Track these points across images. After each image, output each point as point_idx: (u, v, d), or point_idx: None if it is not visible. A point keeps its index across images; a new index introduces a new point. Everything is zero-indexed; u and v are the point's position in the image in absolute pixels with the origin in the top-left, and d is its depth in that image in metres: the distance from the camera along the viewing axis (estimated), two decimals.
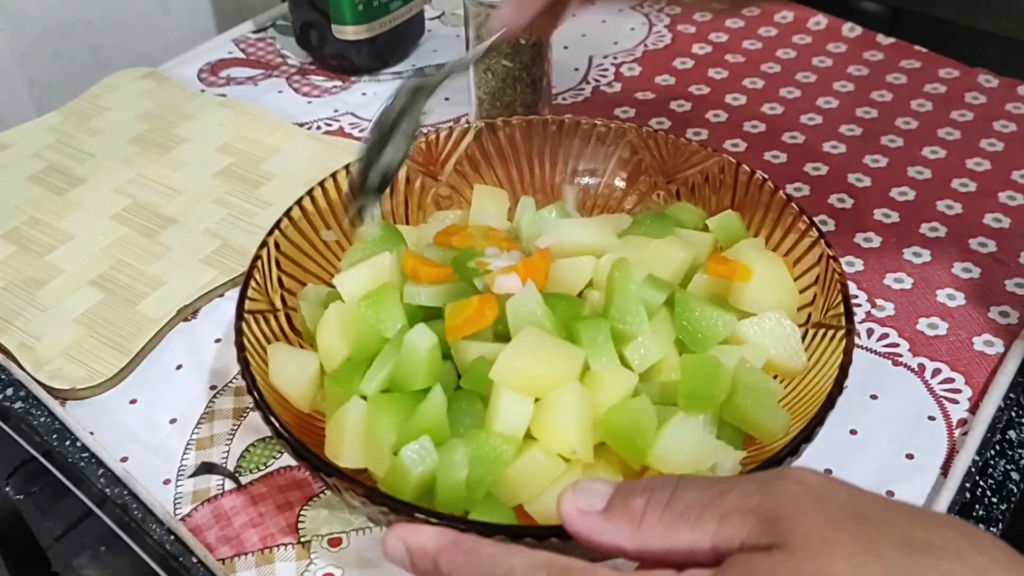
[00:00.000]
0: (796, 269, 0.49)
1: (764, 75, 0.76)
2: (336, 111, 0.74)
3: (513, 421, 0.40)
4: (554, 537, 0.35)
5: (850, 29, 0.81)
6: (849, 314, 0.44)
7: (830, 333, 0.45)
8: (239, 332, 0.44)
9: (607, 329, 0.42)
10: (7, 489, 0.42)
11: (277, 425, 0.39)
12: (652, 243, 0.47)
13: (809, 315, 0.47)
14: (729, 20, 0.83)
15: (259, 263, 0.48)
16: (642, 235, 0.48)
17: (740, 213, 0.52)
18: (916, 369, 0.53)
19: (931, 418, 0.50)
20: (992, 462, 0.48)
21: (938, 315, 0.55)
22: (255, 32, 0.84)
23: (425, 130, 0.55)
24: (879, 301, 0.57)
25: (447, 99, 0.75)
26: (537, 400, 0.41)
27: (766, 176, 0.52)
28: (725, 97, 0.74)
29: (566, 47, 0.81)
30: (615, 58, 0.79)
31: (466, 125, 0.57)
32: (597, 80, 0.76)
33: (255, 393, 0.41)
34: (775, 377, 0.46)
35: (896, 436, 0.49)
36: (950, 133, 0.69)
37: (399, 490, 0.39)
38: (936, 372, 0.52)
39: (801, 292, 0.48)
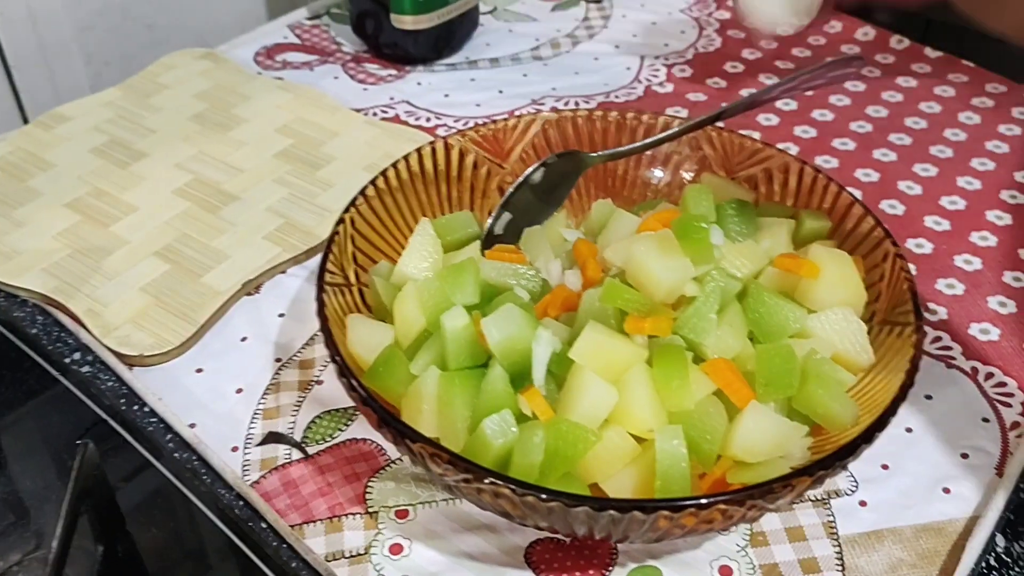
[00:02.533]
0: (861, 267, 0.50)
1: None
2: (392, 99, 0.75)
3: (595, 408, 0.40)
4: (636, 511, 0.36)
5: (898, 41, 0.82)
6: (918, 311, 0.45)
7: (896, 330, 0.46)
8: (320, 303, 0.45)
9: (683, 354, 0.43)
10: (88, 445, 0.43)
11: (362, 392, 0.40)
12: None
13: (874, 312, 0.48)
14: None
15: (337, 238, 0.49)
16: (727, 226, 0.49)
17: (803, 209, 0.53)
18: (969, 372, 0.53)
19: (985, 420, 0.51)
20: None
21: (990, 321, 0.56)
22: (309, 19, 0.85)
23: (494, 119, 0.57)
24: (931, 305, 0.57)
25: (501, 92, 0.76)
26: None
27: (830, 176, 0.53)
28: (776, 102, 0.75)
29: (617, 46, 0.82)
30: (666, 59, 0.80)
31: (534, 115, 0.58)
32: (649, 80, 0.77)
33: (339, 363, 0.42)
34: None
35: (951, 436, 0.50)
36: (998, 146, 0.70)
37: (479, 460, 0.40)
38: (989, 376, 0.53)
39: (867, 289, 0.49)
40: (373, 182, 0.53)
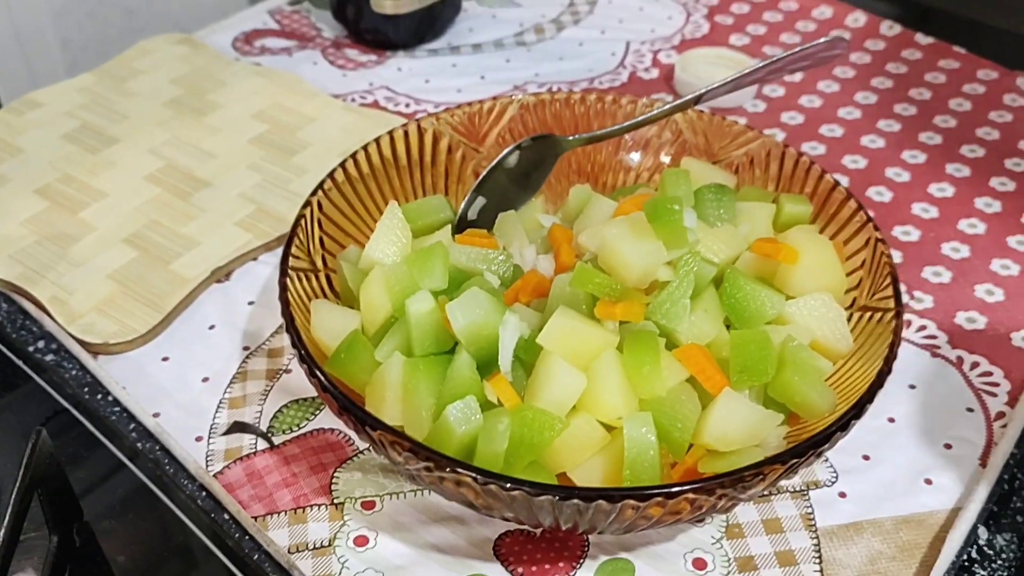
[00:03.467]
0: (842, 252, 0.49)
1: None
2: (371, 84, 0.74)
3: (563, 394, 0.39)
4: (601, 499, 0.35)
5: (889, 27, 0.81)
6: (898, 297, 0.44)
7: (877, 316, 0.44)
8: (283, 288, 0.44)
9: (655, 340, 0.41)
10: (42, 433, 0.42)
11: (322, 378, 0.39)
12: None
13: (854, 299, 0.47)
14: (767, 14, 0.83)
15: (302, 222, 0.47)
16: (706, 211, 0.48)
17: (784, 193, 0.52)
18: (955, 361, 0.52)
19: (969, 410, 0.50)
20: None
21: (976, 310, 0.55)
22: (290, 4, 0.84)
23: (469, 102, 0.55)
24: (917, 293, 0.56)
25: (483, 77, 0.74)
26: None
27: (812, 160, 0.52)
28: (763, 89, 0.73)
29: (603, 31, 0.80)
30: (652, 45, 0.79)
31: (510, 98, 0.56)
32: (634, 66, 0.76)
33: (300, 348, 0.40)
34: None
35: (935, 426, 0.49)
36: (988, 133, 0.69)
37: (442, 447, 0.39)
38: (975, 365, 0.52)
39: (847, 275, 0.48)
40: (343, 165, 0.51)
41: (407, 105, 0.71)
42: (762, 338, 0.41)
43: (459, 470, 0.35)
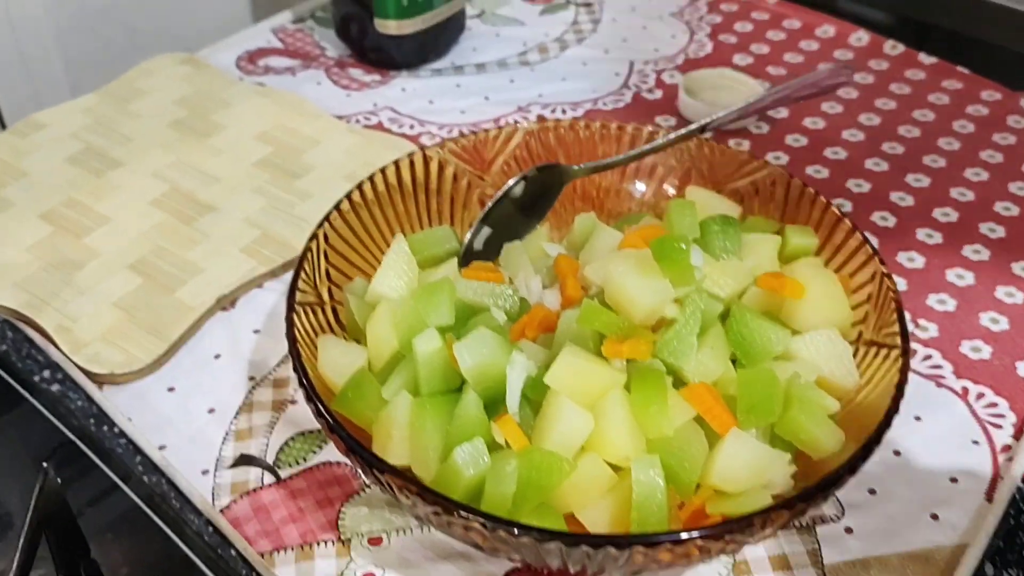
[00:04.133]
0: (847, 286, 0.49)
1: None
2: (375, 105, 0.74)
3: (571, 436, 0.39)
4: (610, 546, 0.35)
5: (892, 47, 0.81)
6: (904, 333, 0.44)
7: (883, 352, 0.44)
8: (290, 324, 0.44)
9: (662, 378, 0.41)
10: (49, 471, 0.42)
11: (329, 419, 0.39)
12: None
13: (860, 333, 0.47)
14: (770, 32, 0.83)
15: (309, 255, 0.47)
16: (711, 243, 0.48)
17: (790, 225, 0.52)
18: (960, 392, 0.52)
19: (975, 442, 0.50)
20: None
21: (981, 338, 0.55)
22: (293, 23, 0.84)
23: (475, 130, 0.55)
24: (921, 322, 0.56)
25: (487, 98, 0.74)
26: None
27: (817, 191, 0.52)
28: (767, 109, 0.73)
29: (606, 51, 0.80)
30: (656, 65, 0.79)
31: (515, 125, 0.56)
32: (638, 86, 0.76)
33: (307, 387, 0.40)
34: None
35: (940, 459, 0.49)
36: (992, 156, 0.69)
37: (450, 490, 0.39)
38: (980, 396, 0.52)
39: (853, 309, 0.48)
40: (348, 196, 0.51)
41: (411, 127, 0.71)
42: (768, 377, 0.41)
43: (468, 515, 0.35)
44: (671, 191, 0.56)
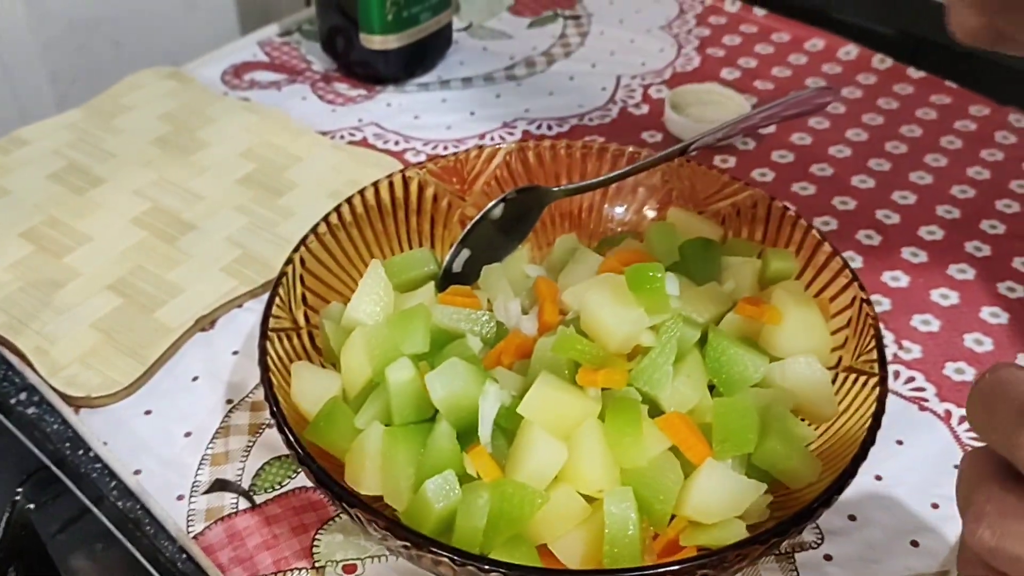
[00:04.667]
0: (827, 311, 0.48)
1: None
2: (360, 120, 0.73)
3: (544, 467, 0.39)
4: None
5: (880, 60, 0.81)
6: (882, 361, 0.43)
7: (862, 379, 0.44)
8: (263, 351, 0.43)
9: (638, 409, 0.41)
10: (19, 500, 0.41)
11: (300, 451, 0.39)
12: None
13: (840, 358, 0.47)
14: (758, 46, 0.83)
15: (284, 280, 0.47)
16: (691, 267, 0.48)
17: (770, 248, 0.52)
18: (943, 415, 0.52)
19: (956, 467, 0.49)
20: None
21: (965, 360, 0.55)
22: (280, 36, 0.84)
23: (455, 149, 0.55)
24: (905, 343, 0.56)
25: (473, 113, 0.74)
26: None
27: (799, 213, 0.52)
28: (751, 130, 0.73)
29: (593, 65, 0.80)
30: (643, 79, 0.78)
31: (496, 146, 0.56)
32: (624, 101, 0.76)
33: (279, 418, 0.40)
34: (803, 421, 0.45)
35: (921, 484, 0.48)
36: (979, 173, 0.69)
37: (421, 522, 0.39)
38: (962, 419, 0.51)
39: (832, 333, 0.47)
40: (326, 218, 0.51)
41: (396, 143, 0.71)
42: (744, 408, 0.41)
43: (437, 551, 0.35)
44: (653, 212, 0.56)
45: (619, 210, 0.57)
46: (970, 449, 0.49)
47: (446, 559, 0.35)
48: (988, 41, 0.36)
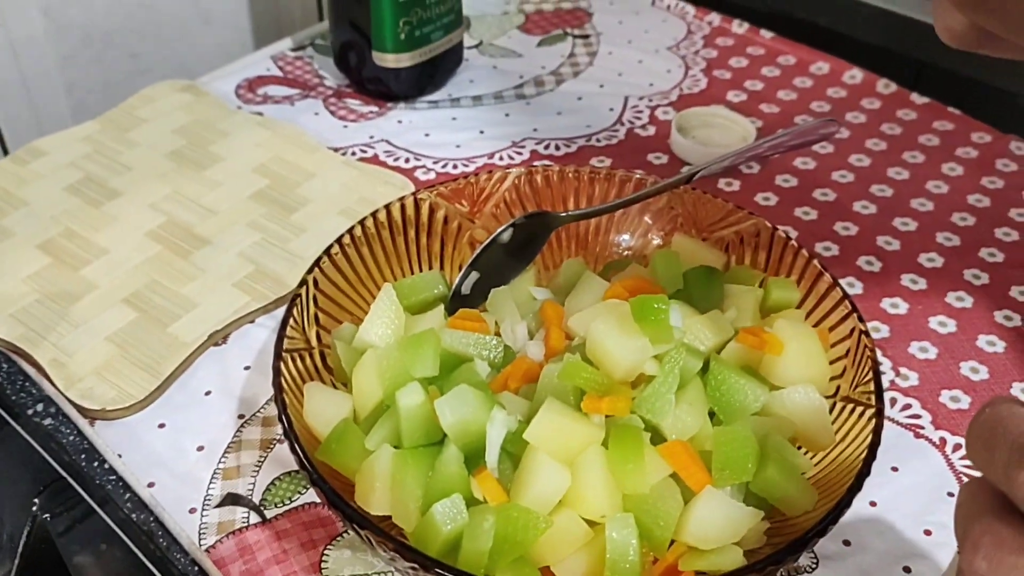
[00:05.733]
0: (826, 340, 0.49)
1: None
2: (371, 137, 0.75)
3: (548, 492, 0.40)
4: None
5: (885, 85, 0.82)
6: (879, 393, 0.45)
7: (859, 410, 0.45)
8: (277, 372, 0.45)
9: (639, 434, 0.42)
10: (36, 511, 0.43)
11: (312, 472, 0.40)
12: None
13: (838, 387, 0.48)
14: (765, 69, 0.84)
15: (299, 301, 0.48)
16: (692, 295, 0.49)
17: (772, 277, 0.53)
18: (937, 443, 0.53)
19: (950, 494, 0.50)
20: None
21: (961, 388, 0.56)
22: (293, 50, 0.85)
23: (465, 168, 0.56)
24: (903, 370, 0.57)
25: (482, 132, 0.75)
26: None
27: (800, 243, 0.53)
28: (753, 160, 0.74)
29: (601, 85, 0.81)
30: (650, 100, 0.80)
31: (507, 168, 0.57)
32: (632, 122, 0.77)
33: (292, 438, 0.41)
34: (800, 449, 0.46)
35: (915, 511, 0.50)
36: (979, 200, 0.70)
37: (428, 543, 0.40)
38: (957, 447, 0.53)
39: (831, 363, 0.49)
40: (339, 240, 0.52)
41: (407, 160, 0.72)
42: (743, 437, 0.42)
43: (443, 572, 0.36)
44: (659, 239, 0.57)
45: (624, 236, 0.58)
46: (967, 480, 0.50)
47: None
48: (974, 42, 0.36)
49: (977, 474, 0.30)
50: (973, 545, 0.27)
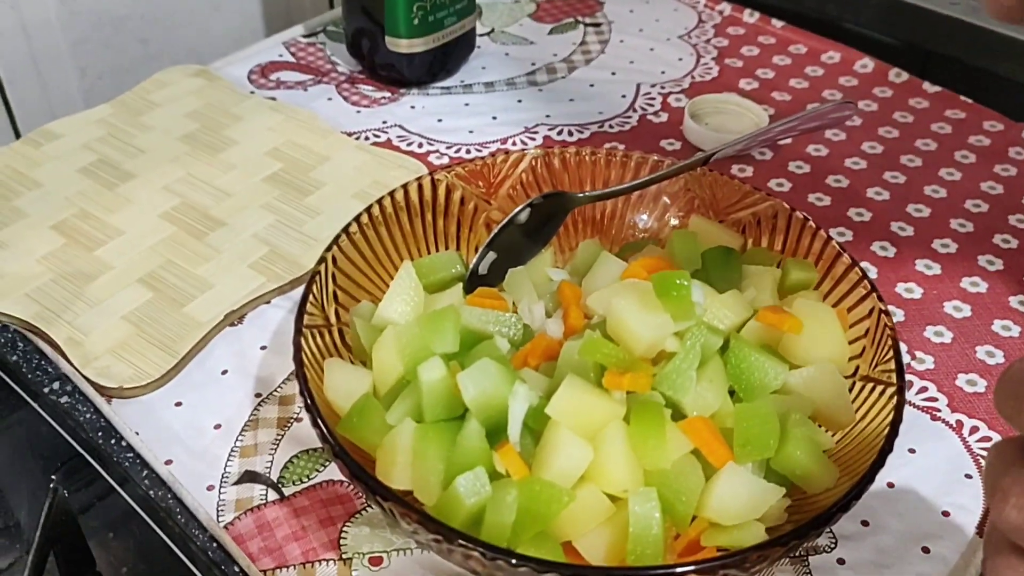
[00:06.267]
0: (845, 321, 0.49)
1: None
2: (384, 122, 0.75)
3: (570, 466, 0.40)
4: None
5: (896, 74, 0.82)
6: (900, 371, 0.45)
7: (879, 388, 0.45)
8: (298, 347, 0.45)
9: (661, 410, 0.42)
10: (55, 486, 0.43)
11: (335, 445, 0.40)
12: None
13: (857, 367, 0.48)
14: (776, 57, 0.84)
15: (318, 278, 0.48)
16: (712, 275, 0.49)
17: (790, 258, 0.53)
18: (954, 425, 0.53)
19: (968, 476, 0.50)
20: None
21: (977, 372, 0.56)
22: (305, 36, 0.85)
23: (478, 153, 0.56)
24: (919, 354, 0.57)
25: (495, 118, 0.75)
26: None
27: (818, 225, 0.53)
28: (770, 142, 0.74)
29: (613, 73, 0.81)
30: (662, 87, 0.80)
31: (522, 151, 0.57)
32: (644, 109, 0.77)
33: (314, 412, 0.41)
34: (820, 427, 0.46)
35: (932, 492, 0.50)
36: (992, 187, 0.70)
37: (450, 516, 0.40)
38: (974, 430, 0.53)
39: (850, 343, 0.49)
40: (357, 218, 0.52)
41: (420, 145, 0.72)
42: (765, 413, 0.42)
43: (468, 544, 0.36)
44: (676, 220, 0.57)
45: (641, 217, 0.58)
46: (993, 442, 0.50)
47: (477, 553, 0.36)
48: (1021, 18, 0.36)
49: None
50: (1003, 495, 0.27)
